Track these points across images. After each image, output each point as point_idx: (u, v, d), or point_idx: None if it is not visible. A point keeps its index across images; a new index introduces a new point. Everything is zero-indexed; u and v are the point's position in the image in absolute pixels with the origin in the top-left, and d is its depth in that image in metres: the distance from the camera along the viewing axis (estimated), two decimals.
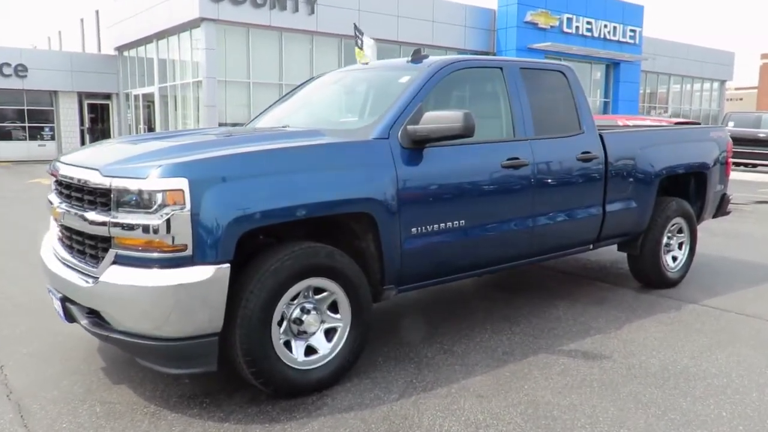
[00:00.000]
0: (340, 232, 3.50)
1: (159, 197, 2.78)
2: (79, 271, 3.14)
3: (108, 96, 24.35)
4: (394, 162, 3.46)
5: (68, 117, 23.35)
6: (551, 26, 24.28)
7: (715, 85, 36.40)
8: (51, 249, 3.64)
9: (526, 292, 5.27)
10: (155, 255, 2.82)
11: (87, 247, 3.13)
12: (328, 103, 4.60)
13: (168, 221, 2.77)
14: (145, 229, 2.79)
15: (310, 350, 3.25)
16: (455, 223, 3.76)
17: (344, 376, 3.38)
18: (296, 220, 3.09)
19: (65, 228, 3.35)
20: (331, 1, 19.52)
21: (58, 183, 3.47)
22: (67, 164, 3.38)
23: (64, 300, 3.22)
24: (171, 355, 2.91)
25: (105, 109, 24.67)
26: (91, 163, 3.15)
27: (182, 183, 2.79)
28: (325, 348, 3.28)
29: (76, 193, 3.19)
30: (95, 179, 2.98)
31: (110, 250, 2.92)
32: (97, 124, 24.75)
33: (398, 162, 3.48)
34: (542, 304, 4.87)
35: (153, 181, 2.79)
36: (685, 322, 4.51)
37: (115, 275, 2.88)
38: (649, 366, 3.67)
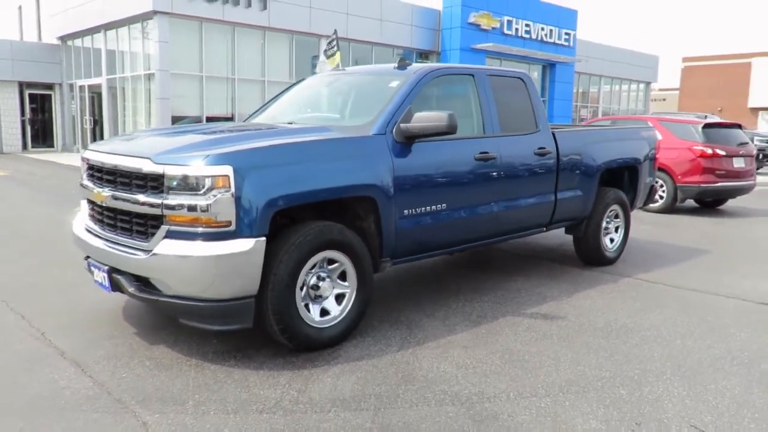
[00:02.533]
0: (344, 213, 4.13)
1: (208, 182, 3.34)
2: (127, 246, 3.65)
3: (50, 86, 23.80)
4: (390, 154, 4.12)
5: (8, 107, 22.72)
6: (493, 28, 25.36)
7: (641, 86, 38.63)
8: (85, 228, 4.12)
9: (489, 270, 6.04)
10: (204, 230, 3.37)
11: (134, 225, 3.65)
12: (326, 102, 5.21)
13: (215, 202, 3.33)
14: (196, 208, 3.34)
15: (324, 312, 3.87)
16: (438, 206, 4.45)
17: (351, 335, 4.02)
18: (316, 201, 3.72)
19: (109, 209, 3.84)
20: None
21: (98, 170, 3.95)
22: (108, 153, 3.87)
23: (111, 271, 3.72)
24: (216, 314, 3.47)
25: (47, 99, 24.10)
26: (139, 152, 3.66)
27: (228, 170, 3.36)
28: (336, 310, 3.91)
29: (122, 178, 3.69)
30: (148, 167, 3.50)
31: (162, 226, 3.45)
32: (38, 114, 24.17)
33: (393, 154, 4.14)
34: (504, 279, 5.64)
35: (203, 168, 3.35)
36: (622, 291, 5.37)
37: (168, 247, 3.42)
38: (596, 323, 4.48)
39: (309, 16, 20.62)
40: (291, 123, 4.67)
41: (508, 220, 5.10)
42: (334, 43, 6.32)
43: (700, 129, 10.21)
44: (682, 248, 7.31)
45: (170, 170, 3.41)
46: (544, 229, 5.67)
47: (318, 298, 3.84)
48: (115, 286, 3.74)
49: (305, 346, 3.76)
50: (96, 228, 4.01)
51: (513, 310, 4.75)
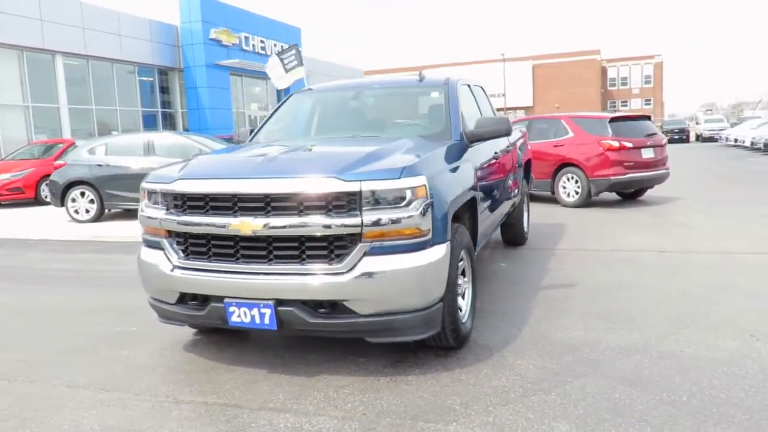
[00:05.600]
0: None
1: (409, 193, 3.37)
2: (302, 273, 3.38)
3: None
4: (471, 156, 4.51)
5: None
6: (233, 44, 25.39)
7: None
8: (191, 267, 3.62)
9: None
10: (407, 242, 3.38)
11: (307, 249, 3.41)
12: (364, 115, 5.19)
13: (419, 213, 3.38)
14: (399, 221, 3.34)
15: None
16: (489, 200, 4.98)
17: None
18: (463, 203, 3.96)
19: (257, 239, 3.46)
20: (9, 8, 17.02)
21: (221, 200, 3.51)
22: (244, 179, 3.48)
23: (277, 305, 3.41)
24: (418, 324, 3.48)
25: None
26: (306, 172, 3.43)
27: (424, 180, 3.43)
28: (463, 305, 4.17)
29: (284, 203, 3.39)
30: (336, 186, 3.31)
31: (360, 244, 3.34)
32: None
33: (470, 156, 4.54)
34: (478, 265, 6.34)
35: (405, 180, 3.36)
36: (570, 259, 6.52)
37: (372, 265, 3.33)
38: (601, 285, 5.47)
39: (41, 30, 18.08)
40: (356, 135, 4.67)
41: (506, 208, 5.83)
42: (293, 57, 6.12)
43: (607, 123, 10.44)
44: (563, 224, 8.89)
45: (369, 186, 3.32)
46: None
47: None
48: (280, 322, 3.44)
49: (461, 341, 3.95)
50: (223, 264, 3.55)
51: (528, 288, 5.47)
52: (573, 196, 10.58)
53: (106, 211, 10.88)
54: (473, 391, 3.35)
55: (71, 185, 10.62)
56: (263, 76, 28.60)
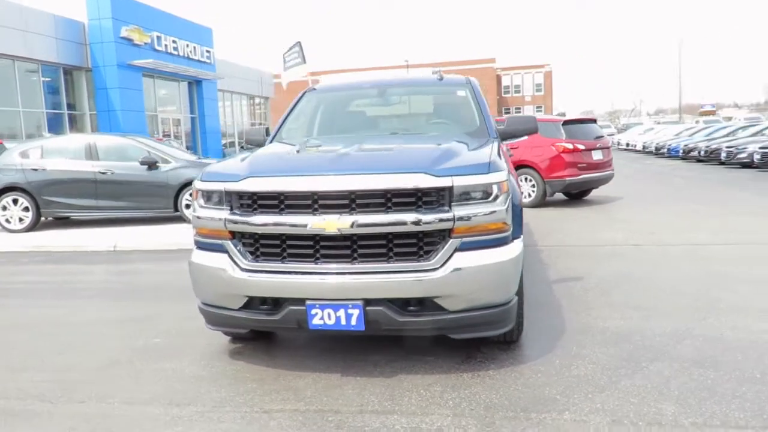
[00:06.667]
0: None
1: (495, 188, 3.40)
2: (391, 272, 3.30)
3: None
4: (506, 153, 4.61)
5: None
6: (145, 43, 24.15)
7: (264, 100, 41.53)
8: (266, 270, 3.44)
9: None
10: (493, 237, 3.40)
11: (395, 246, 3.34)
12: (402, 113, 5.10)
13: (504, 208, 3.41)
14: (489, 216, 3.35)
15: None
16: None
17: None
18: None
19: (341, 238, 3.34)
20: None
21: (299, 198, 3.37)
22: (326, 176, 3.35)
23: (365, 305, 3.32)
24: (500, 319, 3.50)
25: None
26: (392, 168, 3.36)
27: (506, 175, 3.48)
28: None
29: (372, 200, 3.30)
30: (426, 182, 3.26)
31: (450, 240, 3.32)
32: None
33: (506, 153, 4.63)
34: None
35: (493, 175, 3.38)
36: (549, 254, 6.80)
37: (463, 260, 3.32)
38: (580, 274, 5.78)
39: None
40: (394, 134, 4.61)
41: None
42: (295, 55, 5.88)
43: (560, 126, 10.87)
44: (543, 224, 9.17)
45: (460, 181, 3.32)
46: None
47: None
48: (369, 322, 3.35)
49: (519, 335, 4.01)
50: (301, 265, 3.40)
51: (539, 282, 5.66)
52: (528, 197, 10.91)
53: (42, 219, 10.02)
54: (562, 381, 3.41)
55: (2, 192, 9.69)
56: (177, 77, 27.47)
